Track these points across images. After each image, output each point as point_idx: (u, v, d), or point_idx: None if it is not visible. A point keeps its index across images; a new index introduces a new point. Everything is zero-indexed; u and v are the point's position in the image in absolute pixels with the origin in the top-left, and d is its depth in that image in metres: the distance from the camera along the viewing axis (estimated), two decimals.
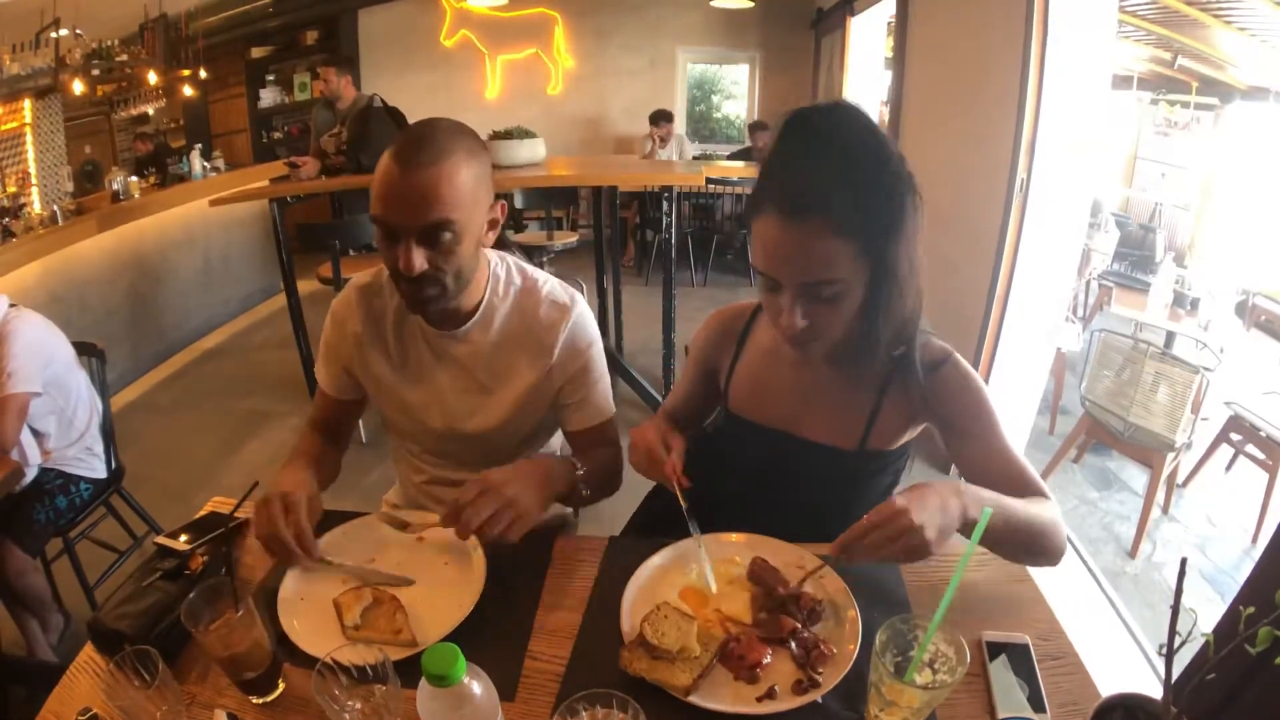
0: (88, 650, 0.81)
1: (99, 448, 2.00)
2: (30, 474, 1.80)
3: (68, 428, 1.90)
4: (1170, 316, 3.71)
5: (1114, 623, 2.11)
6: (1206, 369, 2.55)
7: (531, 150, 3.01)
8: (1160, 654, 0.55)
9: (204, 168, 4.68)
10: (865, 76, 5.30)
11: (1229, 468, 3.08)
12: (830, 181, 0.79)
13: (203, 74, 5.53)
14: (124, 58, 5.02)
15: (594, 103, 6.57)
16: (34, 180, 5.07)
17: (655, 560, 0.93)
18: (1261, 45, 4.35)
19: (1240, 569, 2.53)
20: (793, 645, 0.78)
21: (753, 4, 5.59)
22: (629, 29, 6.35)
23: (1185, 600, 0.54)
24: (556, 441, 1.31)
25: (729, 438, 1.11)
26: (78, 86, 4.84)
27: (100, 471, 2.00)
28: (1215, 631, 0.53)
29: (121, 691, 0.67)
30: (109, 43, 4.95)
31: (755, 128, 5.98)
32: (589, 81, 6.50)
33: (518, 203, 4.81)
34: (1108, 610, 2.16)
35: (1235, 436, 2.87)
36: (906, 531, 0.71)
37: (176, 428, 3.36)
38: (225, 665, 0.73)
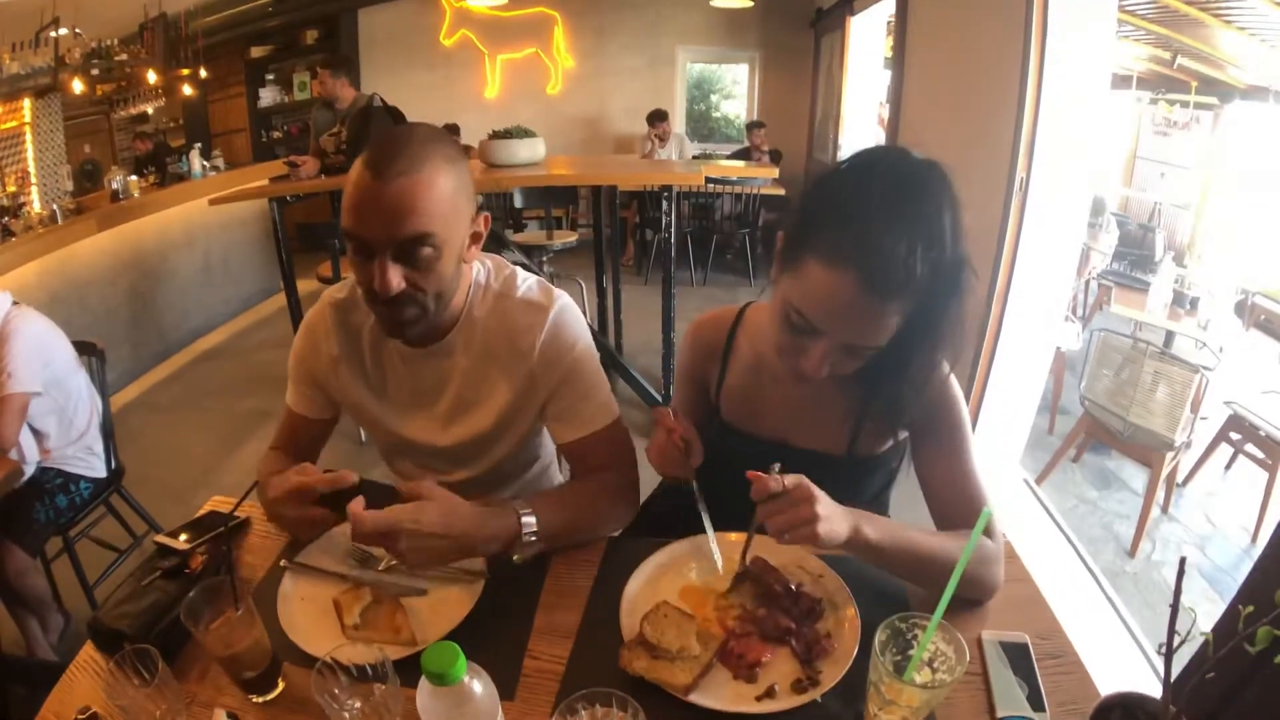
0: (88, 649, 0.81)
1: (99, 447, 2.00)
2: (28, 470, 1.80)
3: (68, 427, 1.90)
4: (1170, 316, 3.71)
5: (1113, 622, 2.11)
6: (1206, 368, 2.55)
7: (531, 150, 3.00)
8: (1159, 653, 0.55)
9: (203, 167, 4.68)
10: (865, 76, 5.30)
11: (1228, 467, 3.08)
12: (918, 263, 0.75)
13: (202, 73, 5.53)
14: (124, 57, 5.02)
15: (594, 102, 6.57)
16: (33, 179, 5.06)
17: (655, 560, 0.93)
18: (1261, 45, 4.35)
19: (1240, 568, 2.54)
20: (793, 641, 0.78)
21: (753, 4, 5.59)
22: (629, 28, 6.35)
23: (1185, 599, 0.54)
24: (545, 454, 1.26)
25: (723, 447, 1.10)
26: (77, 86, 4.83)
27: (100, 471, 2.00)
28: (1215, 631, 0.53)
29: (121, 691, 0.67)
30: (109, 42, 4.95)
31: (753, 126, 5.98)
32: (589, 81, 6.50)
33: (517, 202, 4.82)
34: (1107, 609, 2.16)
35: (1235, 436, 2.87)
36: (805, 518, 0.75)
37: (176, 427, 3.36)
38: (225, 664, 0.73)
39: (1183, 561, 0.55)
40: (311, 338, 1.08)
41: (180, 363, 4.15)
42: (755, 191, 5.44)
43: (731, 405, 1.08)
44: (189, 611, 0.71)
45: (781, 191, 5.59)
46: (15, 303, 1.80)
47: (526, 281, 1.06)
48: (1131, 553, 2.56)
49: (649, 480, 1.25)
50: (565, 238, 4.05)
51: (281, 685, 0.76)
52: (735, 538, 0.97)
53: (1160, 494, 2.73)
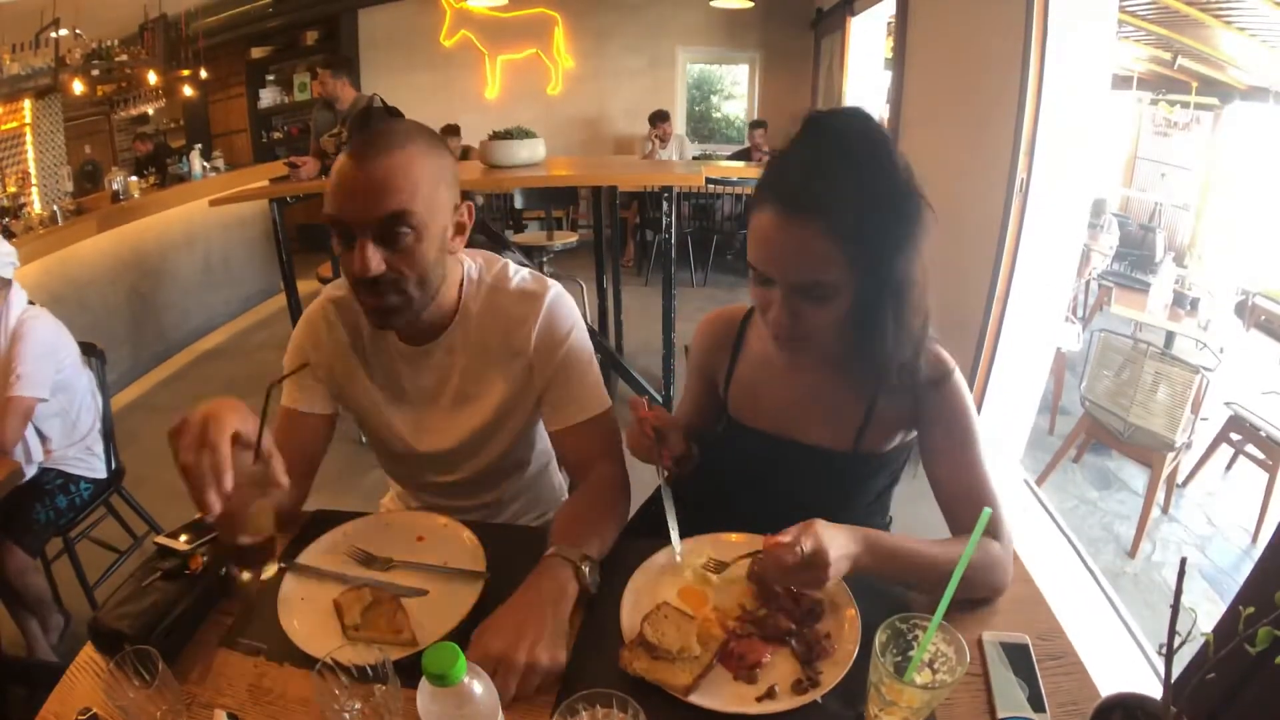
0: (88, 650, 0.81)
1: (99, 448, 2.00)
2: (30, 471, 1.80)
3: (71, 428, 1.91)
4: (1170, 316, 3.71)
5: (1114, 623, 2.11)
6: (1206, 369, 2.55)
7: (531, 150, 3.00)
8: (1160, 654, 0.55)
9: (204, 168, 4.69)
10: (865, 76, 5.30)
11: (1229, 468, 3.08)
12: (832, 183, 0.79)
13: (203, 74, 5.53)
14: (124, 58, 5.03)
15: (594, 103, 6.57)
16: (34, 180, 5.07)
17: (655, 560, 0.93)
18: (1261, 45, 4.35)
19: (1240, 569, 2.54)
20: (794, 643, 0.78)
21: (753, 4, 5.59)
22: (629, 29, 6.35)
23: (1185, 600, 0.54)
24: (542, 451, 1.24)
25: (729, 442, 1.11)
26: (78, 86, 4.84)
27: (100, 471, 2.00)
28: (1215, 631, 0.53)
29: (121, 691, 0.67)
30: (109, 43, 4.96)
31: (754, 125, 5.98)
32: (589, 82, 6.50)
33: (518, 203, 4.82)
34: (1107, 610, 2.16)
35: (1235, 436, 2.87)
36: (819, 581, 0.77)
37: None
38: (223, 523, 0.71)
39: (1183, 562, 0.55)
40: (313, 330, 1.07)
41: (180, 363, 4.15)
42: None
43: (739, 401, 1.08)
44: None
45: None
46: (31, 302, 1.81)
47: (519, 273, 1.07)
48: (1132, 553, 2.56)
49: (649, 482, 1.25)
50: (565, 238, 4.05)
51: (274, 568, 0.75)
52: (736, 538, 0.97)
53: (1160, 494, 2.73)
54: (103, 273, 3.72)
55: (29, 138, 5.09)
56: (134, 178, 4.25)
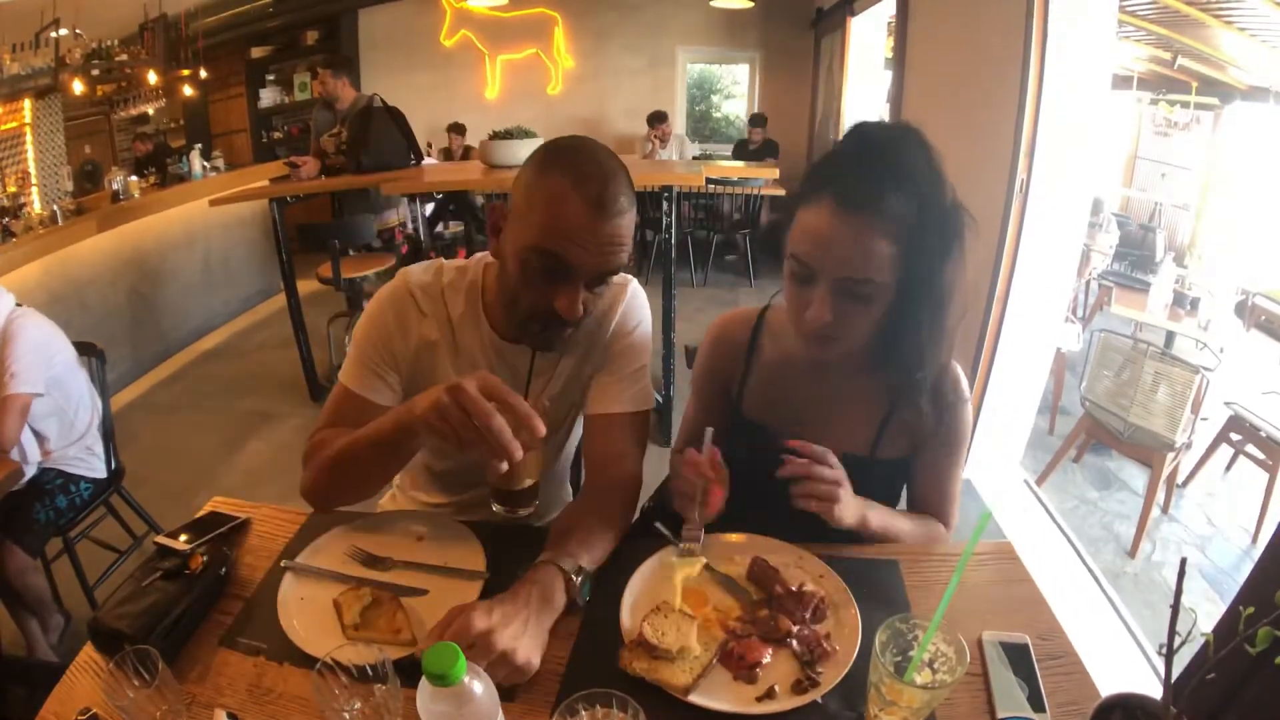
0: (88, 650, 0.81)
1: (99, 448, 2.00)
2: (29, 471, 1.80)
3: (68, 428, 1.91)
4: (1170, 316, 3.71)
5: (1114, 623, 2.11)
6: (1206, 369, 2.55)
7: (531, 150, 3.00)
8: (1160, 654, 0.55)
9: (204, 168, 4.68)
10: (865, 76, 5.30)
11: (1229, 468, 3.08)
12: (889, 187, 0.81)
13: (203, 74, 5.53)
14: (124, 58, 5.03)
15: (594, 103, 6.57)
16: (34, 180, 5.07)
17: (655, 560, 0.93)
18: (1261, 45, 4.35)
19: (1240, 569, 2.54)
20: (794, 643, 0.78)
21: (753, 4, 5.59)
22: (629, 29, 6.35)
23: (1185, 600, 0.54)
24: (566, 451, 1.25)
25: (741, 439, 1.10)
26: (78, 86, 4.84)
27: (100, 471, 2.00)
28: (1215, 631, 0.53)
29: (121, 691, 0.67)
30: (109, 43, 4.96)
31: (754, 122, 5.98)
32: (589, 81, 6.50)
33: None
34: (1107, 610, 2.16)
35: (1235, 436, 2.87)
36: (833, 495, 0.87)
37: (176, 428, 3.36)
38: (506, 473, 0.79)
39: (1183, 562, 0.55)
40: (402, 315, 1.03)
41: (180, 363, 4.15)
42: (756, 192, 5.44)
43: (754, 403, 1.09)
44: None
45: (782, 192, 5.59)
46: (17, 304, 1.81)
47: None
48: (1132, 553, 2.56)
49: (648, 484, 1.25)
50: None
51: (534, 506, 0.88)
52: (736, 538, 0.97)
53: (1160, 494, 2.73)
54: (103, 273, 3.72)
55: (29, 138, 5.08)
56: (134, 178, 4.24)
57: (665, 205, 2.93)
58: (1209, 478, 3.04)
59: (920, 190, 0.82)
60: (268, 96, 6.27)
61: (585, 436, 1.13)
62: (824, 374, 1.01)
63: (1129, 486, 3.02)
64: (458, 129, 5.81)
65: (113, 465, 2.05)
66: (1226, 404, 2.85)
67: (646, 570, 0.91)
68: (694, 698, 0.73)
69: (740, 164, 5.66)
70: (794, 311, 0.90)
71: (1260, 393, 3.10)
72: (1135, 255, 4.86)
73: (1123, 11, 4.24)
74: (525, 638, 0.75)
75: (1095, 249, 4.80)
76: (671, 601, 0.84)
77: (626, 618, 0.83)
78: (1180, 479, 2.92)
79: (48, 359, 1.80)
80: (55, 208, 3.71)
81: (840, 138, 0.90)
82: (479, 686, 0.61)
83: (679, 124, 6.57)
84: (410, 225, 4.00)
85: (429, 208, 4.05)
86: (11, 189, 4.63)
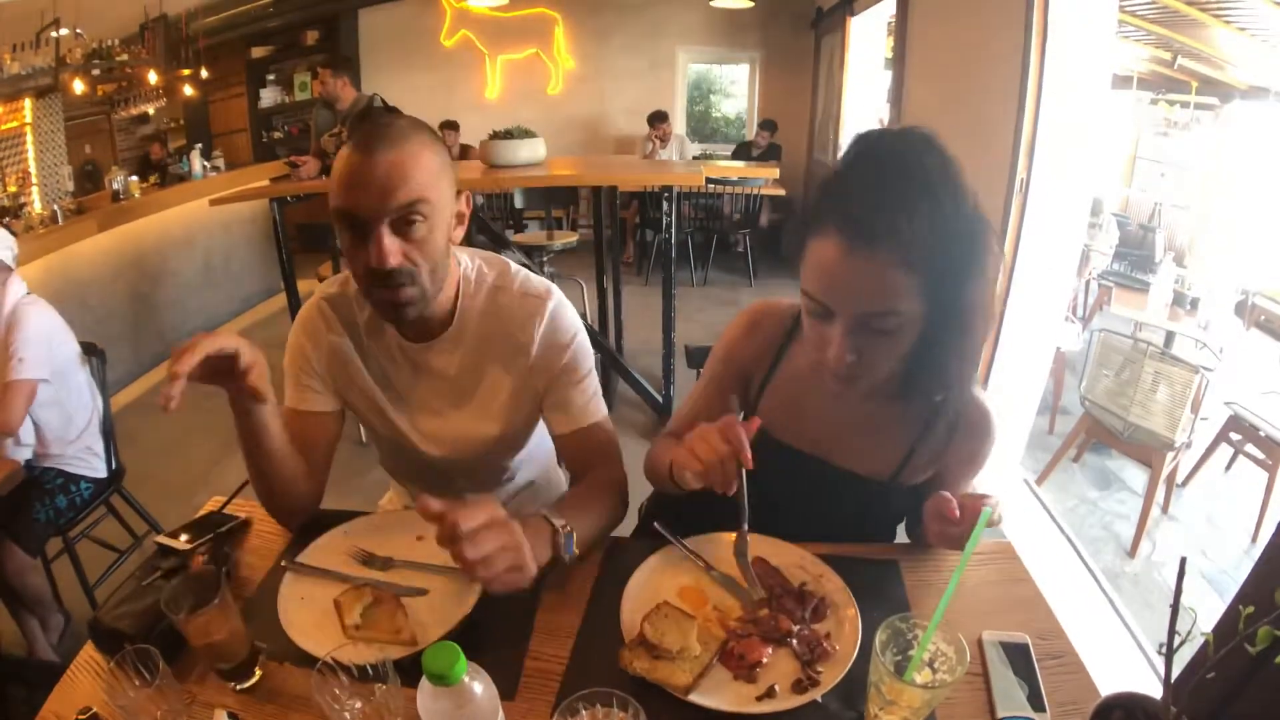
0: (88, 650, 0.81)
1: (99, 447, 2.00)
2: (24, 454, 1.81)
3: (67, 423, 1.91)
4: (1170, 316, 3.71)
5: (1114, 622, 2.11)
6: (1206, 369, 2.55)
7: (531, 150, 3.01)
8: (1160, 653, 0.55)
9: (204, 167, 4.68)
10: (865, 76, 5.30)
11: (1229, 467, 3.08)
12: (902, 211, 0.73)
13: (203, 74, 5.53)
14: (124, 57, 5.02)
15: (594, 103, 6.57)
16: (34, 180, 5.06)
17: (655, 560, 0.93)
18: (1261, 45, 4.35)
19: (1240, 568, 2.53)
20: (794, 643, 0.78)
21: (753, 4, 5.59)
22: (629, 29, 6.35)
23: (1185, 600, 0.54)
24: (543, 452, 1.26)
25: (756, 453, 1.07)
26: (78, 86, 4.83)
27: (100, 471, 2.00)
28: (1215, 631, 0.53)
29: (122, 691, 0.67)
30: (109, 42, 4.95)
31: (764, 125, 5.97)
32: (589, 82, 6.50)
33: (518, 203, 4.82)
34: (1107, 610, 2.16)
35: (1235, 436, 2.87)
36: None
37: (176, 428, 3.36)
38: (203, 653, 0.74)
39: (1183, 562, 0.55)
40: (310, 330, 1.06)
41: None
42: (756, 192, 5.44)
43: (774, 412, 1.02)
44: (170, 600, 0.71)
45: (782, 192, 5.60)
46: (29, 292, 1.82)
47: (520, 273, 1.07)
48: (1131, 553, 2.56)
49: (646, 484, 1.24)
50: (565, 238, 4.05)
51: (259, 674, 0.77)
52: (735, 538, 0.97)
53: (1160, 494, 2.72)
54: (103, 272, 3.72)
55: (29, 137, 5.08)
56: (134, 178, 4.24)
57: (665, 205, 2.93)
58: (1209, 477, 3.04)
59: (937, 205, 0.74)
60: (268, 96, 6.27)
61: (561, 457, 1.16)
62: (849, 396, 0.94)
63: (1129, 486, 3.02)
64: (451, 126, 5.80)
65: (113, 465, 2.05)
66: (1226, 404, 2.85)
67: (646, 570, 0.91)
68: (694, 697, 0.73)
69: (740, 163, 5.66)
70: (814, 348, 0.84)
71: (1260, 392, 3.10)
72: (1135, 255, 4.86)
73: (1123, 11, 4.24)
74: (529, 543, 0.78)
75: (1095, 249, 4.80)
76: (671, 601, 0.84)
77: (626, 617, 0.83)
78: (1180, 479, 2.92)
79: (52, 345, 1.82)
80: (56, 207, 3.72)
81: (843, 153, 0.81)
82: (479, 686, 0.61)
83: (679, 124, 6.57)
84: None
85: None
86: (12, 189, 4.63)
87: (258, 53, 6.15)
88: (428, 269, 0.91)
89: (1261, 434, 2.72)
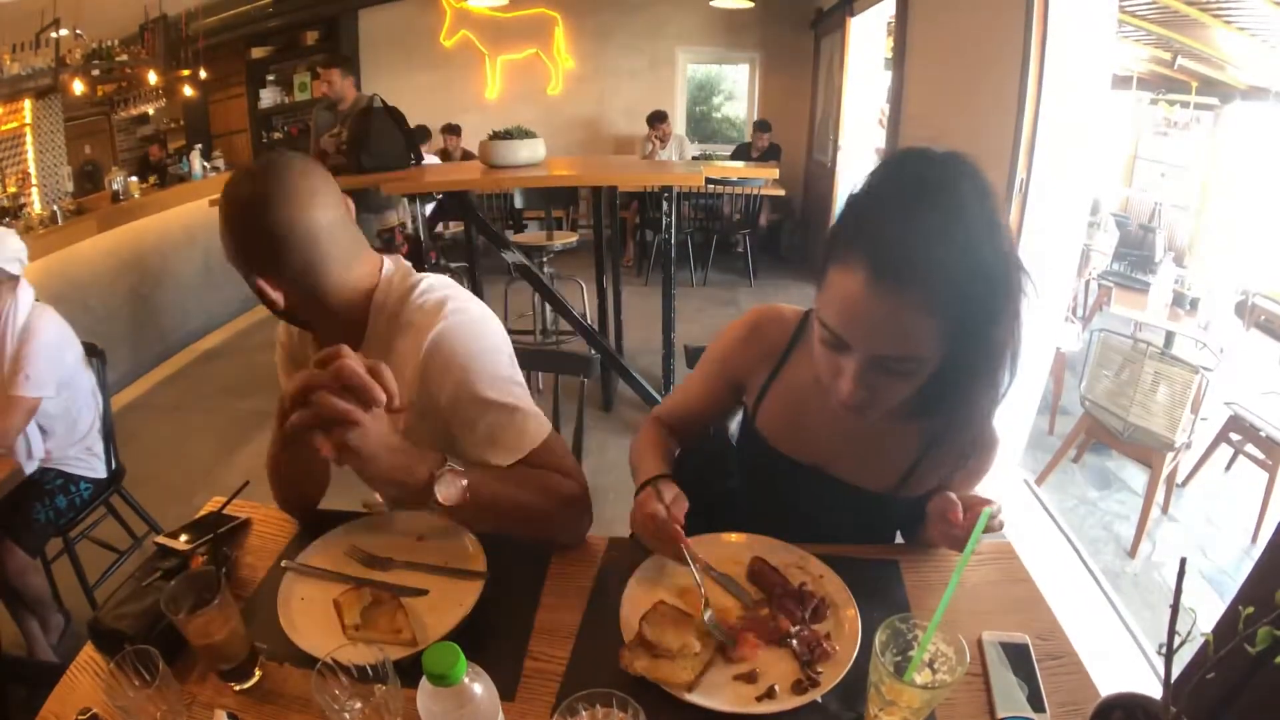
0: (88, 650, 0.81)
1: (99, 448, 2.00)
2: (32, 467, 1.81)
3: (72, 427, 1.91)
4: (1170, 316, 3.71)
5: (1113, 622, 2.11)
6: (1206, 369, 2.55)
7: (531, 150, 3.00)
8: (1160, 654, 0.55)
9: (204, 168, 4.68)
10: (865, 76, 5.30)
11: (1228, 467, 3.08)
12: (936, 252, 0.69)
13: (203, 74, 5.53)
14: (124, 58, 5.02)
15: (594, 103, 6.57)
16: (34, 180, 5.06)
17: (655, 560, 0.93)
18: (1261, 45, 4.35)
19: (1240, 569, 2.53)
20: (794, 643, 0.78)
21: (753, 4, 5.59)
22: (629, 29, 6.35)
23: (1185, 600, 0.54)
24: None
25: (751, 456, 1.05)
26: (78, 86, 4.83)
27: (100, 471, 2.00)
28: (1215, 631, 0.53)
29: (121, 691, 0.67)
30: (109, 43, 4.95)
31: (760, 126, 5.97)
32: (589, 82, 6.50)
33: (518, 203, 4.83)
34: (1107, 610, 2.16)
35: (1235, 436, 2.87)
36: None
37: (176, 428, 3.36)
38: (203, 654, 0.74)
39: (1183, 562, 0.55)
40: (287, 325, 1.13)
41: (180, 363, 4.15)
42: (755, 192, 5.44)
43: (772, 421, 1.01)
44: (170, 601, 0.72)
45: (782, 192, 5.60)
46: (36, 299, 1.82)
47: (427, 292, 0.97)
48: (1131, 553, 2.56)
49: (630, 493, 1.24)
50: (565, 238, 4.05)
51: (258, 675, 0.77)
52: (736, 538, 0.97)
53: (1160, 494, 2.72)
54: (103, 273, 3.72)
55: (29, 138, 5.08)
56: (134, 178, 4.24)
57: (665, 205, 2.93)
58: (1209, 477, 3.04)
59: (972, 244, 0.69)
60: (268, 96, 6.27)
61: None
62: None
63: (1129, 486, 3.02)
64: (453, 130, 5.80)
65: (113, 465, 2.05)
66: (1226, 404, 2.85)
67: (647, 570, 0.91)
68: (694, 698, 0.73)
69: (740, 164, 5.66)
70: (825, 373, 0.81)
71: (1260, 393, 3.10)
72: (1135, 255, 4.86)
73: (1123, 11, 4.24)
74: (384, 449, 0.76)
75: (1095, 249, 4.80)
76: (669, 600, 0.84)
77: (626, 618, 0.83)
78: (1180, 479, 2.92)
79: (61, 361, 1.81)
80: (55, 208, 3.71)
81: (878, 168, 0.76)
82: (479, 686, 0.61)
83: (679, 124, 6.57)
84: (410, 225, 4.01)
85: (429, 208, 4.05)
86: (12, 189, 4.63)
87: (257, 53, 6.15)
88: (296, 305, 0.95)
89: (1261, 434, 2.72)
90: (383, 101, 3.42)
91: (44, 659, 1.84)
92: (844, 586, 0.86)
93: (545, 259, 3.83)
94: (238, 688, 0.76)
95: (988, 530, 0.75)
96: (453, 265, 4.01)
